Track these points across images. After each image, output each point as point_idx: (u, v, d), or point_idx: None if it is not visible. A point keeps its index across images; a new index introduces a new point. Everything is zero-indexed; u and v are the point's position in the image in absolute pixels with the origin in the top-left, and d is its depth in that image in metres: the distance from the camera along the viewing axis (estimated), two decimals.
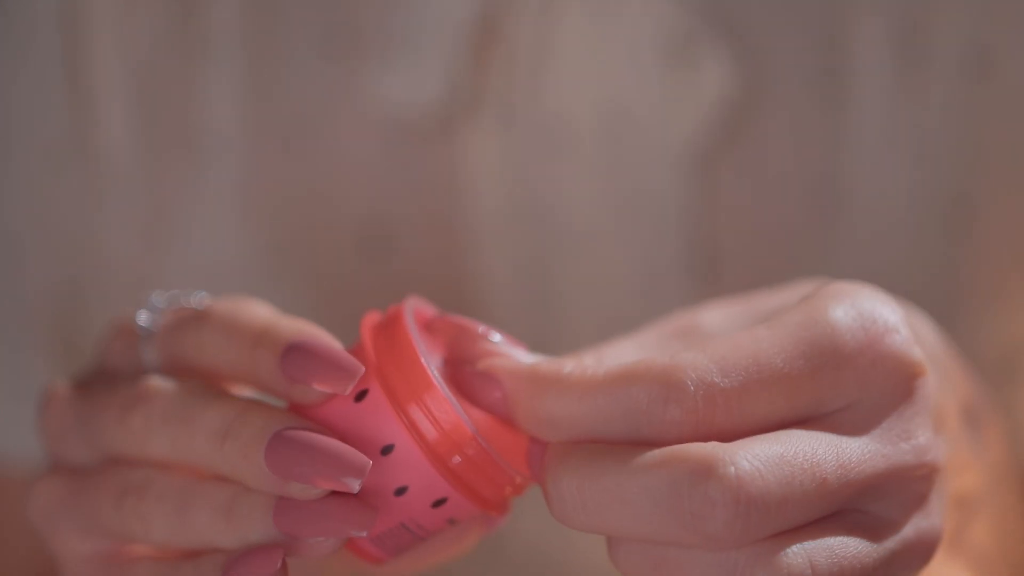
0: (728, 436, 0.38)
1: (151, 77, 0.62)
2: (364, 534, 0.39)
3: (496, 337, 0.43)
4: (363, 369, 0.40)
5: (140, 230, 0.64)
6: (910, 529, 0.39)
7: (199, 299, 0.46)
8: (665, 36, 0.61)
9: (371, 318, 0.43)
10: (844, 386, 0.39)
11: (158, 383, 0.43)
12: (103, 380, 0.45)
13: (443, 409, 0.40)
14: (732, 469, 0.36)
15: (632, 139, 0.62)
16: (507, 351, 0.42)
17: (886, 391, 0.39)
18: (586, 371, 0.39)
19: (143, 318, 0.45)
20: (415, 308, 0.43)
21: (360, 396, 0.41)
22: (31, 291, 0.64)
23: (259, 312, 0.43)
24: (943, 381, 0.45)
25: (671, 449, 0.37)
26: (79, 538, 0.44)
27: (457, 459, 0.40)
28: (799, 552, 0.37)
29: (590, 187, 0.62)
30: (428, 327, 0.43)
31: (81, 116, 0.63)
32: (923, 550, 0.40)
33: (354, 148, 0.63)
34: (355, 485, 0.39)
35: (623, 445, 0.38)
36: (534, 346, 0.63)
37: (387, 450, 0.40)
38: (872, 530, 0.39)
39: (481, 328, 0.43)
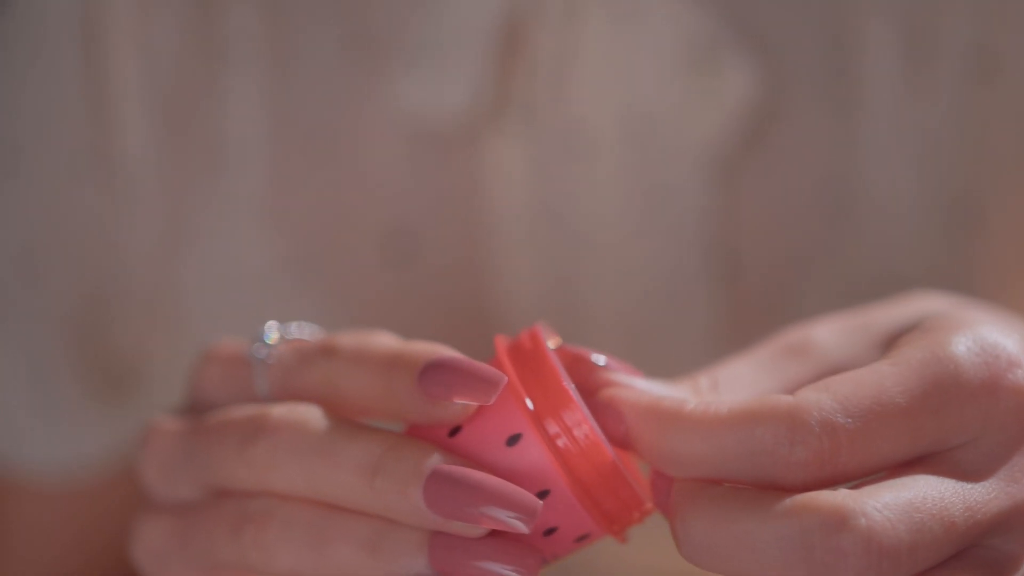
0: (852, 475, 0.38)
1: (171, 86, 0.62)
2: None
3: (612, 366, 0.43)
4: (505, 378, 0.40)
5: (162, 240, 0.63)
6: None
7: (313, 331, 0.45)
8: (688, 42, 0.61)
9: (502, 343, 0.43)
10: (967, 423, 0.39)
11: (283, 412, 0.41)
12: (208, 411, 0.44)
13: (596, 448, 0.40)
14: (863, 520, 0.36)
15: (655, 145, 0.62)
16: (627, 381, 0.42)
17: (1008, 426, 0.40)
18: (709, 409, 0.39)
19: (258, 349, 0.44)
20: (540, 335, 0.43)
21: (513, 440, 0.40)
22: (53, 302, 0.64)
23: (387, 339, 0.42)
24: None
25: (802, 498, 0.37)
26: None
27: (608, 499, 0.40)
28: None
29: (613, 193, 0.62)
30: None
31: (102, 126, 0.62)
32: None
33: (377, 156, 0.62)
34: (525, 527, 0.39)
35: (753, 489, 0.38)
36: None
37: (542, 495, 0.40)
38: (996, 565, 0.39)
39: (598, 357, 0.43)
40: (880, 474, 0.39)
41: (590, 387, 0.42)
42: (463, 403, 0.40)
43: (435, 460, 0.39)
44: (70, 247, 0.64)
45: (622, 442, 0.41)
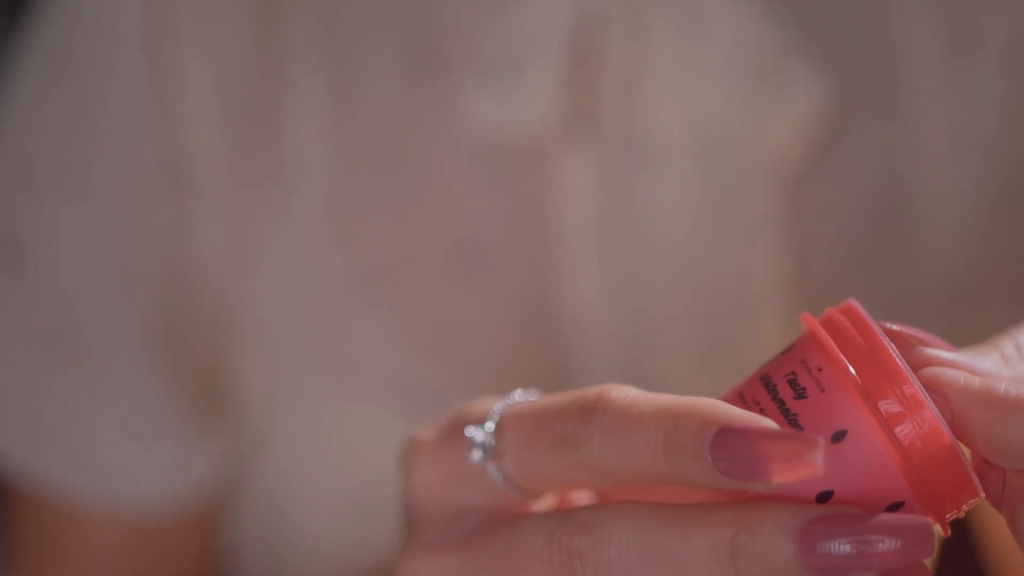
0: None
1: (235, 100, 0.61)
2: None
3: (931, 341, 0.39)
4: (821, 441, 0.35)
5: (231, 257, 0.62)
6: None
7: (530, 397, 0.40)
8: (755, 53, 0.60)
9: (811, 320, 0.38)
10: None
11: (585, 528, 0.36)
12: (465, 527, 0.40)
13: (936, 434, 0.36)
14: None
15: (724, 156, 0.62)
16: (946, 359, 0.38)
17: None
18: None
19: (478, 435, 0.39)
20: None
21: (838, 437, 0.36)
22: (136, 325, 0.63)
23: (640, 399, 0.37)
24: None
25: None
26: None
27: (931, 478, 0.37)
28: None
29: (682, 204, 0.62)
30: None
31: (170, 142, 0.62)
32: None
33: (445, 170, 0.62)
34: (928, 549, 0.35)
35: None
36: (627, 366, 0.62)
37: (894, 506, 0.37)
38: None
39: (915, 333, 0.39)
40: None
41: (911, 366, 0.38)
42: (796, 480, 0.35)
43: (797, 521, 0.35)
44: (149, 267, 0.62)
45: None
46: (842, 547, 0.35)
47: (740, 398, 0.38)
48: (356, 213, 0.62)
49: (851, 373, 0.37)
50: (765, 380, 0.38)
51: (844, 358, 0.37)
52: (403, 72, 0.61)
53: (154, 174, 0.61)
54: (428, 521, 0.40)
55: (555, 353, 0.63)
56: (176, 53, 0.61)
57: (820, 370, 0.37)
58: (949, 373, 0.38)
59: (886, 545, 0.35)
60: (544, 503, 0.41)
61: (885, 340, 0.37)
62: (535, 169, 0.61)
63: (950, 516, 0.38)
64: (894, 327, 0.39)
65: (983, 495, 0.38)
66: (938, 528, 0.38)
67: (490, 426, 0.39)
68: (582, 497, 0.42)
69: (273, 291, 0.62)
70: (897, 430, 0.36)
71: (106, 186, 0.62)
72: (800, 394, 0.37)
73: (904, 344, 0.39)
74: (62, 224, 0.62)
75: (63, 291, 0.62)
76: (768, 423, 0.35)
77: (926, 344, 0.39)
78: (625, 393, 0.37)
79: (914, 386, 0.37)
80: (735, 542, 0.35)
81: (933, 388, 0.37)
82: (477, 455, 0.39)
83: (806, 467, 0.35)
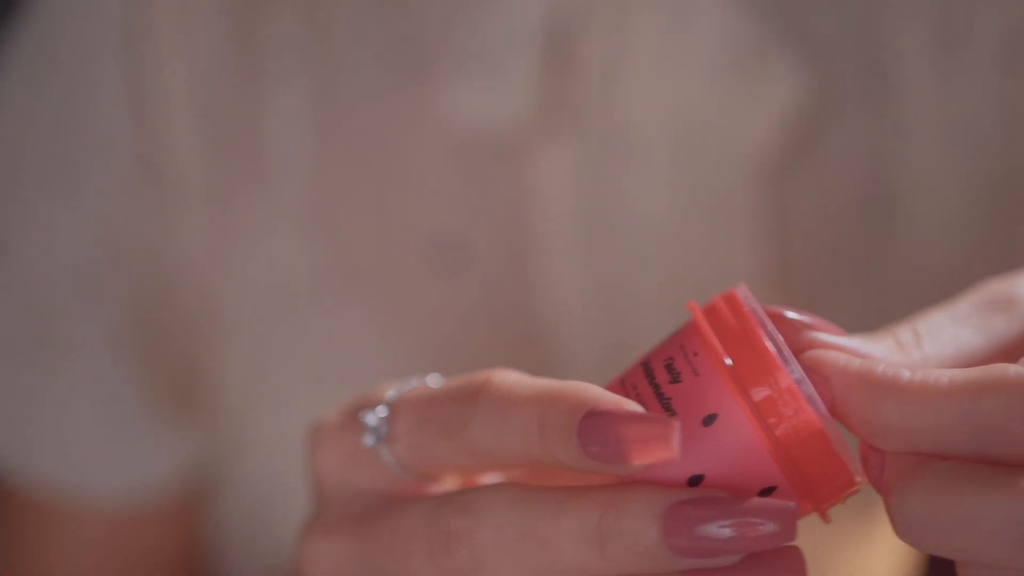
0: None
1: (215, 95, 0.62)
2: None
3: (816, 324, 0.39)
4: (676, 424, 0.35)
5: (210, 251, 0.62)
6: None
7: (428, 383, 0.40)
8: (735, 46, 0.60)
9: (696, 305, 0.38)
10: None
11: (461, 509, 0.37)
12: (359, 510, 0.40)
13: (808, 425, 0.36)
14: None
15: (704, 149, 0.61)
16: (833, 341, 0.38)
17: None
18: (928, 379, 0.35)
19: (371, 419, 0.40)
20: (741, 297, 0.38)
21: (709, 420, 0.36)
22: (112, 319, 0.64)
23: (519, 388, 0.37)
24: None
25: None
26: None
27: (806, 466, 0.37)
28: None
29: (662, 198, 0.62)
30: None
31: (148, 137, 0.62)
32: None
33: (424, 164, 0.62)
34: (790, 532, 0.35)
35: (980, 466, 0.34)
36: (607, 359, 0.62)
37: (766, 491, 0.36)
38: None
39: (802, 317, 0.39)
40: None
41: (793, 349, 0.38)
42: (653, 462, 0.35)
43: (662, 504, 0.35)
44: (126, 263, 0.63)
45: (828, 409, 0.37)
46: (704, 530, 0.35)
47: (621, 383, 0.38)
48: (335, 208, 0.62)
49: (722, 357, 0.37)
50: (645, 365, 0.38)
51: (717, 342, 0.37)
52: (383, 68, 0.62)
53: (133, 171, 0.62)
54: (329, 503, 0.41)
55: (534, 346, 0.63)
56: (156, 51, 0.62)
57: (696, 355, 0.37)
58: (830, 355, 0.38)
59: (747, 529, 0.35)
60: (444, 486, 0.41)
61: (761, 325, 0.37)
62: (514, 163, 0.61)
63: (830, 503, 0.38)
64: (786, 312, 0.39)
65: (862, 481, 0.38)
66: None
67: (382, 411, 0.39)
68: (487, 480, 0.42)
69: (252, 285, 0.63)
70: (766, 415, 0.36)
71: (84, 182, 0.63)
72: (675, 378, 0.37)
73: (791, 329, 0.39)
74: (39, 219, 0.63)
75: (38, 285, 0.63)
76: (632, 406, 0.36)
77: (815, 329, 0.39)
78: (507, 377, 0.37)
79: (784, 371, 0.36)
80: (602, 524, 0.35)
81: (815, 371, 0.37)
82: (369, 439, 0.39)
83: (663, 449, 0.35)
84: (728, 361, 0.37)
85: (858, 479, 0.37)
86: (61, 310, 0.63)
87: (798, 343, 0.39)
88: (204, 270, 0.63)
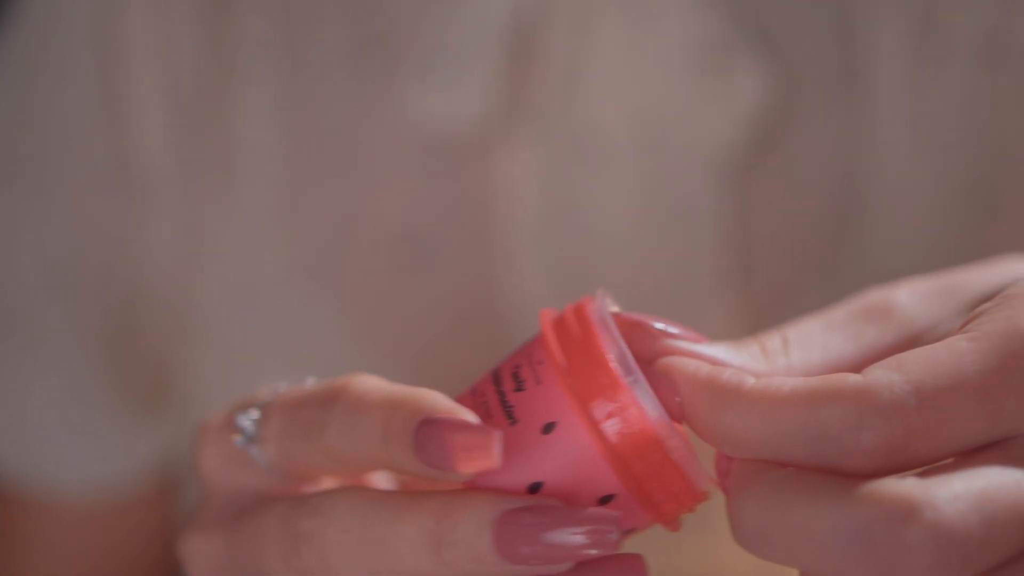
0: (924, 461, 0.35)
1: (186, 93, 0.63)
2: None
3: (674, 332, 0.39)
4: (499, 433, 0.35)
5: (180, 248, 0.64)
6: None
7: (300, 386, 0.41)
8: (700, 45, 0.60)
9: (549, 314, 0.39)
10: None
11: (314, 512, 0.38)
12: (233, 509, 0.41)
13: (645, 437, 0.36)
14: (931, 512, 0.33)
15: (667, 148, 0.61)
16: (688, 348, 0.38)
17: None
18: (769, 387, 0.35)
19: (243, 421, 0.40)
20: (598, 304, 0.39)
21: (548, 428, 0.37)
22: (82, 315, 0.65)
23: (374, 394, 0.38)
24: None
25: (866, 487, 0.34)
26: None
27: (640, 471, 0.37)
28: None
29: (625, 197, 0.62)
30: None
31: (119, 135, 0.63)
32: None
33: (389, 162, 0.62)
34: (613, 542, 0.36)
35: (814, 475, 0.35)
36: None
37: (604, 499, 0.37)
38: None
39: (657, 323, 0.39)
40: (950, 460, 0.35)
41: (649, 356, 0.38)
42: (476, 471, 0.36)
43: (489, 511, 0.36)
44: (95, 258, 0.65)
45: (678, 416, 0.37)
46: (533, 537, 0.35)
47: (472, 392, 0.39)
48: (303, 206, 0.63)
49: (562, 365, 0.37)
50: (495, 373, 0.39)
51: (558, 351, 0.37)
52: (352, 68, 0.62)
53: (103, 168, 0.63)
54: (210, 501, 0.42)
55: (497, 345, 0.63)
56: (126, 49, 0.62)
57: (540, 363, 0.37)
58: (681, 362, 0.38)
59: (574, 537, 0.35)
60: (322, 486, 0.42)
61: (606, 334, 0.37)
62: (478, 162, 0.62)
63: (674, 511, 0.38)
64: (644, 320, 0.39)
65: (704, 489, 0.38)
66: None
67: (254, 413, 0.40)
68: (379, 479, 0.43)
69: (222, 282, 0.64)
70: (604, 423, 0.36)
71: (55, 180, 0.64)
72: (519, 386, 0.37)
73: (648, 336, 0.39)
74: (8, 215, 0.65)
75: (6, 280, 0.65)
76: (466, 415, 0.36)
77: (672, 336, 0.39)
78: (364, 382, 0.38)
79: (621, 381, 0.36)
80: (438, 530, 0.36)
81: (667, 378, 0.37)
82: (240, 441, 0.40)
83: (485, 459, 0.35)
84: (567, 370, 0.37)
85: (703, 488, 0.37)
86: (30, 305, 0.65)
87: (655, 350, 0.39)
88: (174, 266, 0.64)
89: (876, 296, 0.41)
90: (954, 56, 0.61)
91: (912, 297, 0.41)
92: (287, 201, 0.63)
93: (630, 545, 0.38)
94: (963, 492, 0.34)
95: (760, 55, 0.60)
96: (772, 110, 0.61)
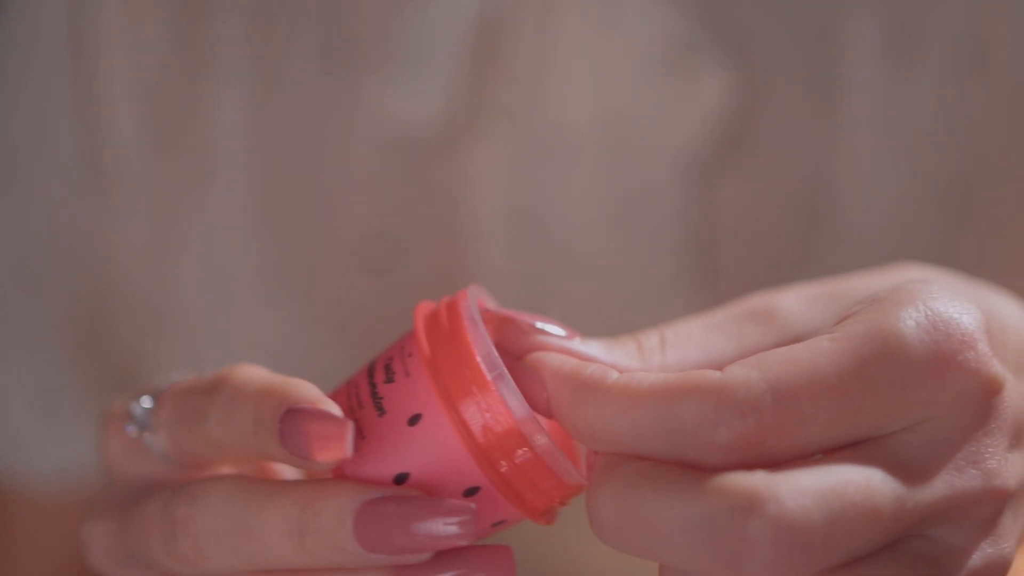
0: (781, 459, 0.35)
1: (159, 93, 0.64)
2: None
3: (552, 329, 0.39)
4: (350, 423, 0.36)
5: (152, 245, 0.64)
6: (977, 557, 0.36)
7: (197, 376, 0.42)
8: (665, 45, 0.60)
9: (425, 307, 0.39)
10: (909, 406, 0.36)
11: (190, 500, 0.38)
12: (130, 495, 0.42)
13: (511, 435, 0.37)
14: (774, 506, 0.33)
15: (631, 147, 0.61)
16: (558, 344, 0.39)
17: (957, 412, 0.36)
18: (631, 382, 0.36)
19: (136, 409, 0.42)
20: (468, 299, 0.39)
21: (414, 420, 0.37)
22: (54, 309, 0.66)
23: (251, 386, 0.39)
24: None
25: (712, 480, 0.34)
26: None
27: (508, 469, 0.37)
28: None
29: (589, 195, 0.62)
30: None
31: (93, 134, 0.64)
32: None
33: (358, 162, 0.63)
34: (470, 531, 0.37)
35: (668, 468, 0.35)
36: None
37: (470, 491, 0.37)
38: (934, 560, 0.36)
39: (533, 321, 0.39)
40: (817, 458, 0.36)
41: (519, 351, 0.39)
42: (331, 460, 0.37)
43: (351, 500, 0.37)
44: (67, 254, 0.66)
45: (546, 411, 0.38)
46: (391, 527, 0.36)
47: (347, 384, 0.39)
48: (273, 204, 0.64)
49: (429, 359, 0.37)
50: (370, 366, 0.39)
51: (425, 344, 0.38)
52: (322, 68, 0.63)
53: (76, 165, 0.64)
54: (112, 487, 0.43)
55: None
56: (100, 47, 0.63)
57: (410, 356, 0.38)
58: (549, 357, 0.38)
59: (430, 528, 0.36)
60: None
61: (474, 328, 0.37)
62: (444, 161, 0.62)
63: (543, 505, 0.38)
64: (517, 316, 0.39)
65: (575, 484, 0.38)
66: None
67: (147, 401, 0.41)
68: (287, 471, 0.44)
69: (193, 278, 0.65)
70: (468, 417, 0.37)
71: (27, 177, 0.65)
72: (390, 378, 0.38)
73: (517, 330, 0.39)
74: None
75: None
76: (329, 406, 0.37)
77: (543, 333, 0.39)
78: (244, 372, 0.39)
79: (484, 375, 0.37)
80: (301, 519, 0.37)
81: (535, 372, 0.38)
82: (132, 429, 0.41)
83: (338, 448, 0.36)
84: (434, 364, 0.37)
85: (573, 482, 0.38)
86: (1, 299, 0.66)
87: (526, 345, 0.39)
88: (145, 262, 0.65)
89: (760, 299, 0.41)
90: (928, 59, 0.61)
91: (796, 301, 0.41)
92: (257, 199, 0.64)
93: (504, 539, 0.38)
94: (808, 487, 0.34)
95: (726, 55, 0.60)
96: (737, 110, 0.60)
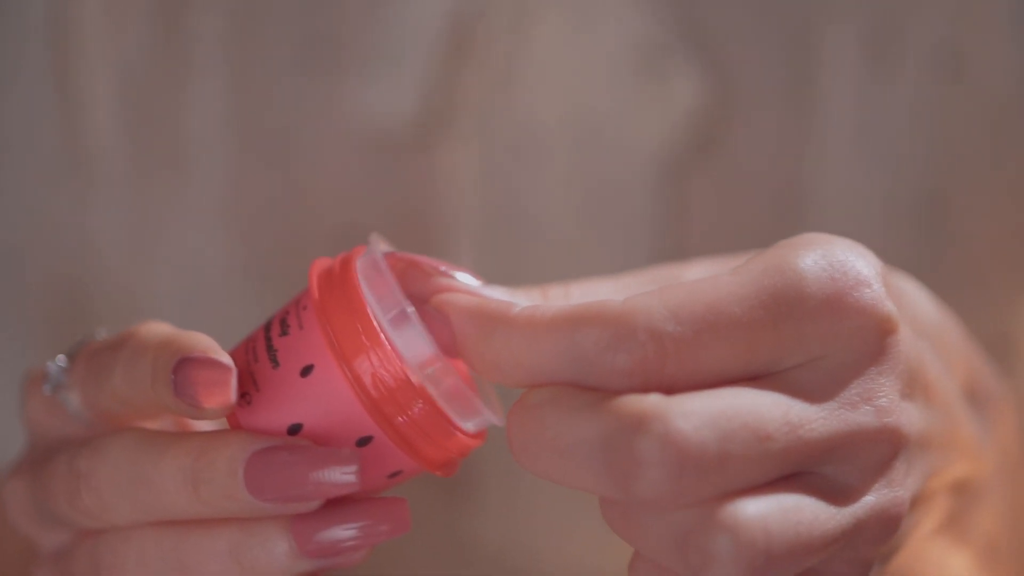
0: (680, 388, 0.35)
1: (138, 88, 0.64)
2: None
3: (459, 274, 0.40)
4: (233, 369, 0.37)
5: (131, 240, 0.65)
6: (871, 497, 0.37)
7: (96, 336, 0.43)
8: (638, 47, 0.60)
9: (322, 263, 0.40)
10: (806, 340, 0.36)
11: (90, 453, 0.39)
12: (43, 453, 0.43)
13: (391, 364, 0.37)
14: (661, 425, 0.34)
15: (603, 148, 0.62)
16: (461, 286, 0.39)
17: (852, 348, 0.37)
18: (535, 313, 0.37)
19: (52, 368, 0.42)
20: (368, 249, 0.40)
21: (306, 371, 0.38)
22: (32, 298, 0.67)
23: (153, 340, 0.39)
24: (937, 353, 0.42)
25: (607, 401, 0.35)
26: None
27: (401, 419, 0.38)
28: (753, 512, 0.34)
29: (563, 195, 0.62)
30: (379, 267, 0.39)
31: (72, 126, 0.65)
32: (886, 520, 0.37)
33: (332, 159, 0.63)
34: (354, 480, 0.37)
35: (570, 390, 0.36)
36: None
37: (362, 441, 0.38)
38: (830, 495, 0.36)
39: (437, 264, 0.40)
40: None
41: (423, 295, 0.39)
42: (217, 406, 0.38)
43: (241, 449, 0.37)
44: (42, 247, 0.66)
45: (452, 352, 0.38)
46: (278, 476, 0.37)
47: (246, 340, 0.40)
48: (248, 198, 0.64)
49: (320, 309, 0.38)
50: (267, 322, 0.40)
51: (318, 296, 0.38)
52: (299, 65, 0.63)
53: (53, 159, 0.65)
54: (31, 446, 0.44)
55: None
56: (80, 42, 0.64)
57: (304, 308, 0.38)
58: (453, 297, 0.39)
59: (317, 475, 0.37)
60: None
61: (376, 278, 0.38)
62: (417, 159, 0.63)
63: (441, 456, 0.38)
64: (421, 259, 0.40)
65: (474, 434, 0.38)
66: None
67: (61, 359, 0.42)
68: (200, 426, 0.44)
69: (169, 272, 0.65)
70: (357, 367, 0.37)
71: (4, 170, 0.66)
72: (284, 331, 0.38)
73: (421, 274, 0.40)
74: None
75: None
76: (219, 355, 0.37)
77: (446, 275, 0.40)
78: (148, 328, 0.40)
79: (375, 325, 0.37)
80: (195, 468, 0.37)
81: (438, 313, 0.38)
82: (47, 388, 0.42)
83: (222, 394, 0.37)
84: (325, 314, 0.38)
85: (472, 432, 0.38)
86: None
87: (431, 288, 0.39)
88: (122, 256, 0.65)
89: (669, 269, 0.42)
90: (905, 66, 0.61)
91: (702, 270, 0.42)
92: (234, 194, 0.64)
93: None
94: (700, 408, 0.34)
95: (699, 58, 0.60)
96: (710, 113, 0.61)
